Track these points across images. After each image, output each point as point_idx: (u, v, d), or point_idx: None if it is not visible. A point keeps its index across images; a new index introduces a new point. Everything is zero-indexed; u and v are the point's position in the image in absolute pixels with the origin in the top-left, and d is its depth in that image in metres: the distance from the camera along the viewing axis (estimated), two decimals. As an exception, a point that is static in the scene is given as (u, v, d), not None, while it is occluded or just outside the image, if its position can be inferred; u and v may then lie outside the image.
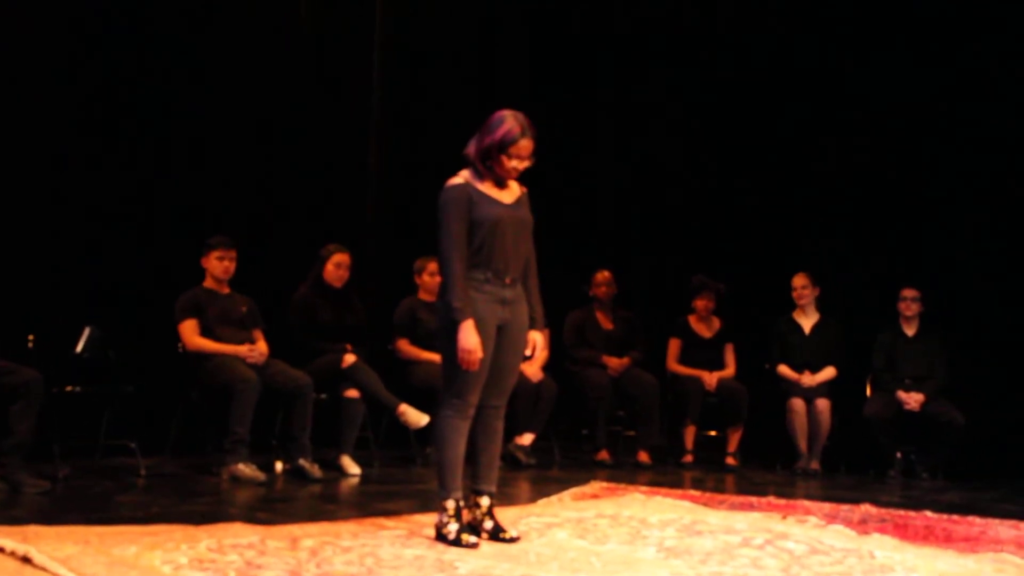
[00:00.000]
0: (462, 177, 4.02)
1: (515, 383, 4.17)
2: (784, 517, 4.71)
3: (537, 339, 4.14)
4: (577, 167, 8.69)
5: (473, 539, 3.89)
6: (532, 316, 4.12)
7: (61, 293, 6.14)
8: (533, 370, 6.73)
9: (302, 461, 5.79)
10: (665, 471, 6.71)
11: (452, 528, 3.93)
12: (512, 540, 3.98)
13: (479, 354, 3.89)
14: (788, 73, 7.98)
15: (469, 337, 3.87)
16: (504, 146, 3.94)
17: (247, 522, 4.16)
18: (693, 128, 8.49)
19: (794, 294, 7.22)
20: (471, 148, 4.03)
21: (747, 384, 7.14)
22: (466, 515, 4.07)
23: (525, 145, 3.95)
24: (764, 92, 8.12)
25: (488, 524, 4.04)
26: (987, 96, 7.21)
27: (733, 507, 5.07)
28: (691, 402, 7.05)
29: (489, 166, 3.99)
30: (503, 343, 4.03)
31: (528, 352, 4.13)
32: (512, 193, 4.08)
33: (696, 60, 8.43)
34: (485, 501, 4.08)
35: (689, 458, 7.02)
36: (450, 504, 3.98)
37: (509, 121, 3.96)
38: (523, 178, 4.12)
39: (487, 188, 4.01)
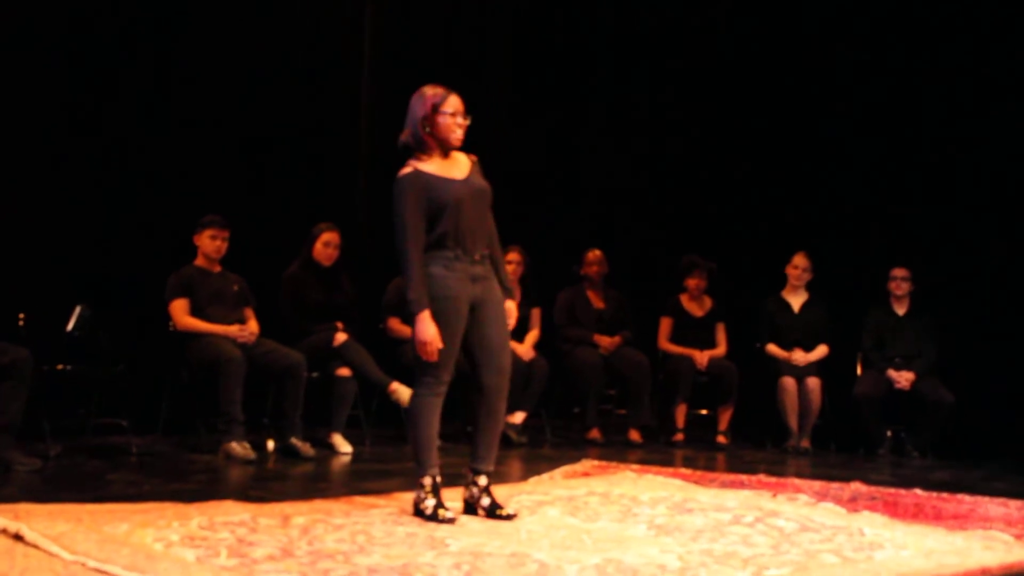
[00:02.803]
0: (411, 167, 4.01)
1: (510, 360, 4.16)
2: (774, 495, 4.73)
3: (510, 308, 4.16)
4: (566, 148, 8.66)
5: (449, 514, 3.91)
6: (504, 287, 4.15)
7: (52, 272, 6.12)
8: (524, 349, 6.74)
9: (293, 439, 5.79)
10: (656, 449, 6.72)
11: (429, 504, 3.94)
12: (509, 517, 3.99)
13: (437, 344, 3.90)
14: (783, 54, 7.97)
15: (426, 329, 3.88)
16: (436, 107, 3.99)
17: (239, 500, 4.17)
18: (685, 108, 8.47)
19: (795, 272, 7.17)
20: (405, 133, 4.04)
21: (738, 363, 7.14)
22: (463, 493, 4.10)
23: (454, 101, 4.01)
24: (758, 74, 8.10)
25: (485, 501, 4.06)
26: (980, 80, 7.20)
27: (724, 485, 5.08)
28: (682, 381, 7.05)
29: (431, 133, 4.00)
30: (485, 320, 4.03)
31: (511, 322, 4.15)
32: (462, 167, 4.08)
33: (690, 39, 8.41)
34: (483, 480, 4.09)
35: (680, 436, 7.02)
36: (427, 481, 3.99)
37: (428, 90, 4.03)
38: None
39: (437, 168, 4.00)
